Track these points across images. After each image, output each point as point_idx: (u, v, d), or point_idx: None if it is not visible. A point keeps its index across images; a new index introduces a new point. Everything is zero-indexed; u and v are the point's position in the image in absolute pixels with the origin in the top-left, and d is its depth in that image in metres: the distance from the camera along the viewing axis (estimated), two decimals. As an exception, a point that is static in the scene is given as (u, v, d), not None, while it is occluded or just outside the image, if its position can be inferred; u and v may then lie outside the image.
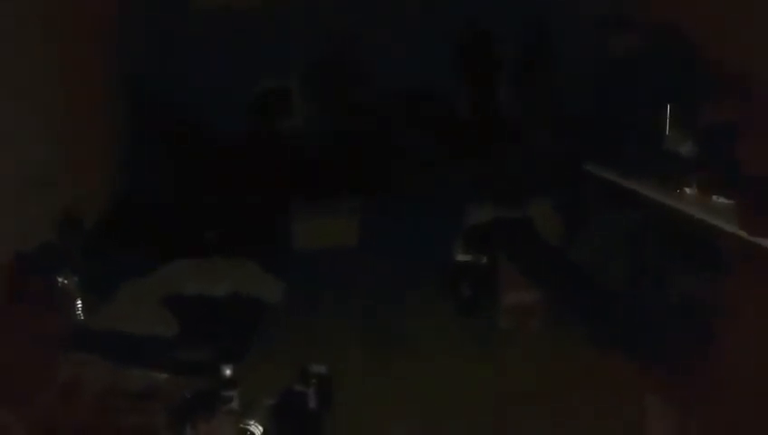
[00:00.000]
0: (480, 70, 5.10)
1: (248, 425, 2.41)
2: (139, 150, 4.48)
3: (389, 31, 5.12)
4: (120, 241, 3.61)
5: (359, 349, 3.42)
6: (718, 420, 2.38)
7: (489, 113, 5.04)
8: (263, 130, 5.15)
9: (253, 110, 5.17)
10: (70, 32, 3.69)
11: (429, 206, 4.32)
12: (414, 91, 5.05)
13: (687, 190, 3.07)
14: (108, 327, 2.98)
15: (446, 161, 4.75)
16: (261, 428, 2.42)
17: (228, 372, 2.60)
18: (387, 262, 4.28)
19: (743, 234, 2.63)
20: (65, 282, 3.09)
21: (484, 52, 5.08)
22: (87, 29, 3.94)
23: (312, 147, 5.03)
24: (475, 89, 5.14)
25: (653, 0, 3.83)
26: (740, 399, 2.42)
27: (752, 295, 2.45)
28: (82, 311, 3.10)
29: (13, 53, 3.08)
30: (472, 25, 5.06)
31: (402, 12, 5.17)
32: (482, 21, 4.99)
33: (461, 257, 3.85)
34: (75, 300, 3.10)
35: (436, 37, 5.05)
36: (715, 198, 2.93)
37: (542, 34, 4.82)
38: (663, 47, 3.43)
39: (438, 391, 3.05)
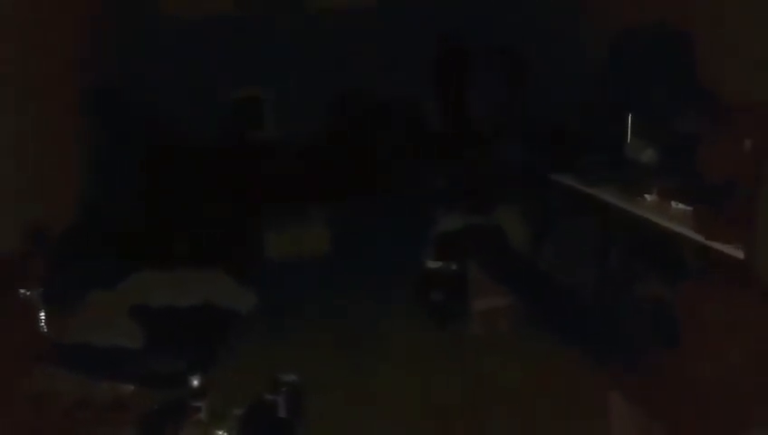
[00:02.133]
0: (451, 81, 5.17)
1: (217, 435, 2.39)
2: (107, 160, 4.43)
3: (363, 41, 5.17)
4: (86, 252, 3.56)
5: (330, 357, 3.42)
6: (683, 422, 2.43)
7: (459, 123, 5.12)
8: (234, 140, 5.14)
9: (224, 119, 5.16)
10: (39, 42, 3.64)
11: (400, 214, 4.36)
12: (385, 100, 5.10)
13: (648, 197, 3.14)
14: (75, 339, 2.93)
15: (416, 170, 4.79)
16: (230, 438, 2.40)
17: (196, 382, 2.57)
18: (358, 270, 4.30)
19: (700, 238, 2.71)
20: (28, 293, 3.04)
21: (455, 63, 5.16)
22: (56, 39, 3.90)
23: (282, 156, 5.03)
24: (446, 99, 5.21)
25: (615, 6, 3.94)
26: (702, 400, 2.48)
27: (710, 297, 2.52)
28: (46, 323, 3.04)
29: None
30: (444, 38, 5.14)
31: (375, 22, 5.22)
32: (454, 34, 5.07)
33: (431, 264, 3.88)
34: (39, 312, 3.04)
35: (408, 47, 5.12)
36: (674, 204, 3.01)
37: (511, 48, 4.92)
38: (626, 56, 3.53)
39: (410, 398, 3.07)
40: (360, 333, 3.69)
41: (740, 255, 2.54)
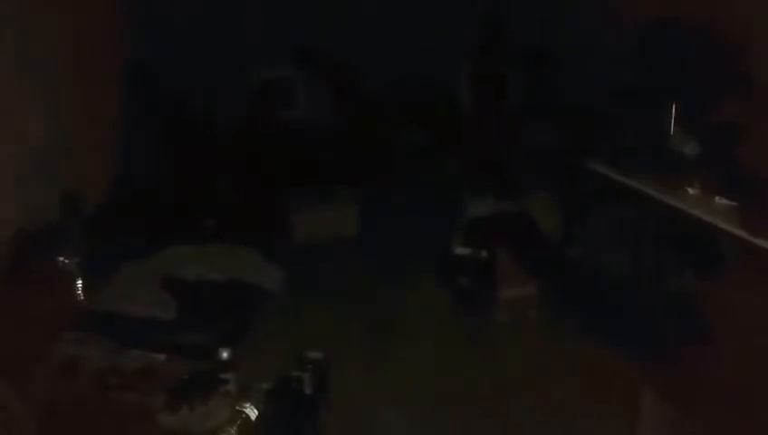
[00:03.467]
0: (484, 64, 5.09)
1: (244, 408, 2.42)
2: (140, 135, 4.48)
3: (394, 24, 5.12)
4: (120, 224, 3.62)
5: (356, 336, 3.45)
6: (713, 418, 2.39)
7: (491, 106, 5.03)
8: (264, 119, 5.15)
9: (255, 98, 5.17)
10: (72, 16, 3.68)
11: (429, 198, 4.33)
12: (416, 83, 5.05)
13: (690, 190, 3.06)
14: (108, 308, 2.99)
15: (446, 154, 4.75)
16: (256, 411, 2.43)
17: (225, 355, 2.61)
18: (385, 252, 4.29)
19: (744, 235, 2.63)
20: (66, 262, 3.11)
21: (487, 46, 5.07)
22: (89, 14, 3.93)
23: (313, 137, 5.03)
24: (478, 83, 5.13)
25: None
26: (736, 397, 2.43)
27: (751, 295, 2.46)
28: (83, 291, 3.12)
29: (16, 38, 3.09)
30: (477, 21, 5.05)
31: (408, 5, 5.16)
32: (486, 17, 4.98)
33: (460, 250, 3.85)
34: (76, 280, 3.11)
35: (440, 30, 5.05)
36: (717, 198, 2.93)
37: (546, 31, 4.82)
38: (669, 44, 3.42)
39: (434, 380, 3.08)
40: (386, 314, 3.70)
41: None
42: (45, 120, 3.34)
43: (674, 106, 3.36)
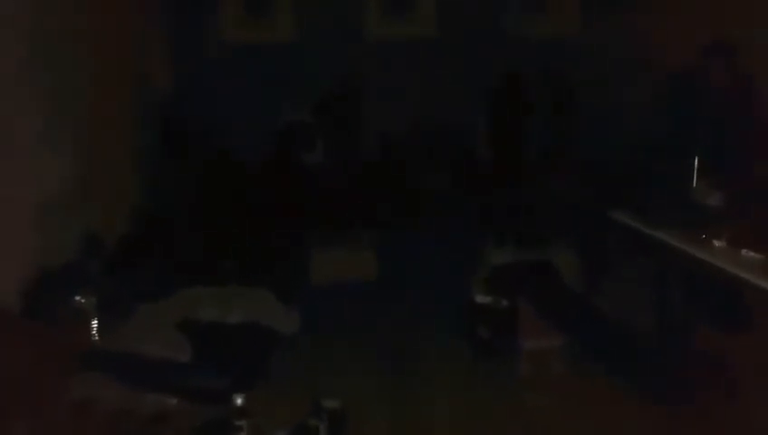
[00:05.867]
0: (507, 111, 5.12)
1: (258, 457, 2.35)
2: (162, 174, 4.52)
3: (417, 70, 5.20)
4: (139, 265, 3.61)
5: (374, 383, 3.37)
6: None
7: (514, 154, 5.05)
8: (285, 162, 5.19)
9: (276, 141, 5.22)
10: (99, 53, 3.76)
11: (449, 244, 4.29)
12: (438, 128, 5.08)
13: (716, 242, 3.02)
14: (123, 349, 2.95)
15: (468, 201, 4.73)
16: (271, 460, 2.36)
17: (240, 401, 2.55)
18: (404, 298, 4.24)
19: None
20: (82, 302, 3.08)
21: (511, 94, 5.11)
22: (116, 52, 4.02)
23: (334, 180, 5.05)
24: (501, 129, 5.15)
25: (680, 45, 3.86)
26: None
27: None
28: (98, 331, 3.08)
29: (42, 74, 3.14)
30: (500, 68, 5.11)
31: (433, 52, 5.25)
32: (510, 64, 5.05)
33: (481, 299, 3.79)
34: (92, 320, 3.08)
35: (464, 77, 5.11)
36: (744, 251, 2.88)
37: (570, 79, 4.86)
38: (694, 96, 3.44)
39: (453, 430, 2.98)
40: (404, 362, 3.62)
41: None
42: (67, 161, 3.37)
43: (697, 158, 3.35)
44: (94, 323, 3.05)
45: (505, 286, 3.77)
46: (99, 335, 3.06)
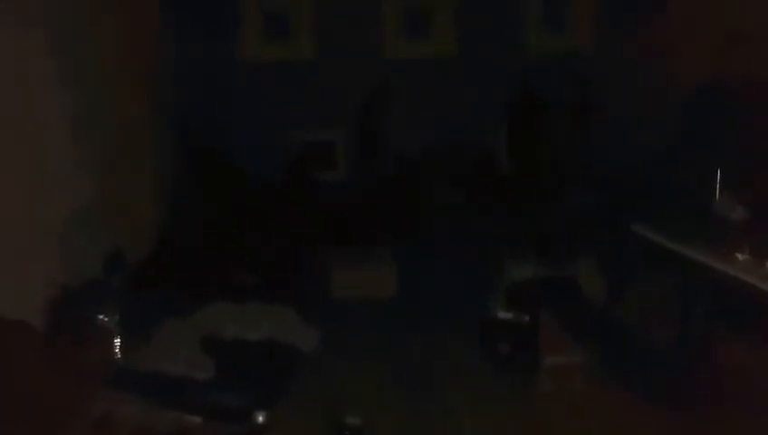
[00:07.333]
0: (526, 125, 5.12)
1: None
2: (183, 193, 4.58)
3: (436, 87, 5.22)
4: (161, 281, 3.65)
5: (394, 399, 3.35)
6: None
7: (534, 169, 5.04)
8: (304, 179, 5.23)
9: (296, 159, 5.27)
10: (121, 77, 3.84)
11: (469, 259, 4.28)
12: (458, 144, 5.09)
13: (739, 256, 2.98)
14: (146, 367, 2.97)
15: (488, 216, 4.72)
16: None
17: (261, 418, 2.56)
18: (423, 314, 4.23)
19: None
20: (106, 320, 3.12)
21: (530, 107, 5.11)
22: (134, 73, 4.10)
23: (353, 196, 5.07)
24: (521, 144, 5.14)
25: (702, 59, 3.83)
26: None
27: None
28: (120, 349, 3.11)
29: (65, 96, 3.21)
30: (519, 81, 5.11)
31: (449, 68, 5.27)
32: (529, 77, 5.05)
33: (502, 315, 3.77)
34: (114, 338, 3.11)
35: (482, 92, 5.13)
36: (768, 264, 2.84)
37: (591, 92, 4.85)
38: (715, 108, 3.41)
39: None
40: (424, 378, 3.60)
41: None
42: (91, 179, 3.43)
43: (719, 170, 3.31)
44: (117, 341, 3.09)
45: (527, 302, 3.74)
46: (122, 353, 3.10)
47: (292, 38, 5.25)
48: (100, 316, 3.10)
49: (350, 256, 4.78)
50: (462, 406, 3.36)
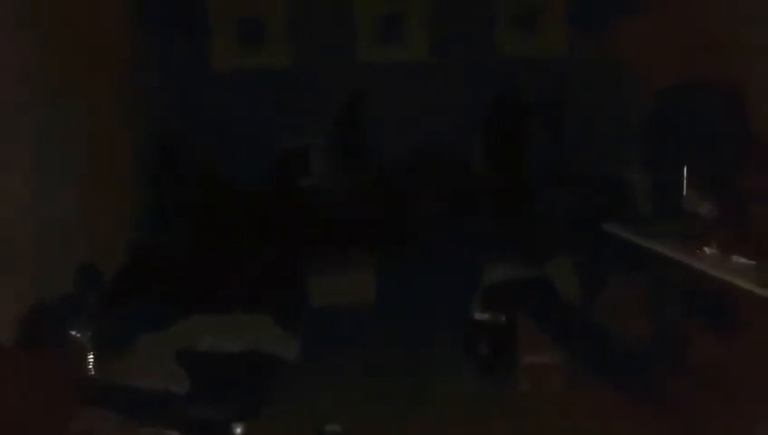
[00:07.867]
0: (501, 127, 5.16)
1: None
2: (158, 204, 4.55)
3: (410, 92, 5.25)
4: (137, 295, 3.61)
5: (374, 407, 3.35)
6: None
7: (508, 171, 5.07)
8: (281, 187, 5.22)
9: (272, 167, 5.25)
10: (93, 86, 3.81)
11: (447, 262, 4.29)
12: (433, 148, 5.12)
13: (707, 250, 3.03)
14: (122, 382, 2.94)
15: (464, 219, 4.75)
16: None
17: (239, 430, 2.55)
18: (403, 319, 4.23)
19: (763, 293, 2.58)
20: (79, 335, 3.08)
21: (504, 110, 5.15)
22: (108, 85, 4.07)
23: (329, 204, 5.07)
24: (496, 146, 5.18)
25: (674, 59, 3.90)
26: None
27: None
28: (94, 365, 3.07)
29: (36, 110, 3.18)
30: (492, 84, 5.15)
31: (425, 74, 5.30)
32: (502, 80, 5.09)
33: (479, 316, 3.79)
34: (87, 354, 3.07)
35: (458, 97, 5.16)
36: (735, 258, 2.89)
37: (562, 94, 4.90)
38: (683, 107, 3.47)
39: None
40: (405, 384, 3.61)
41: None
42: (64, 191, 3.40)
43: (686, 168, 3.37)
44: (90, 356, 3.05)
45: (503, 303, 3.76)
46: (96, 368, 3.06)
47: (266, 44, 5.25)
48: (73, 332, 3.06)
49: (328, 262, 4.77)
50: (444, 409, 3.38)
